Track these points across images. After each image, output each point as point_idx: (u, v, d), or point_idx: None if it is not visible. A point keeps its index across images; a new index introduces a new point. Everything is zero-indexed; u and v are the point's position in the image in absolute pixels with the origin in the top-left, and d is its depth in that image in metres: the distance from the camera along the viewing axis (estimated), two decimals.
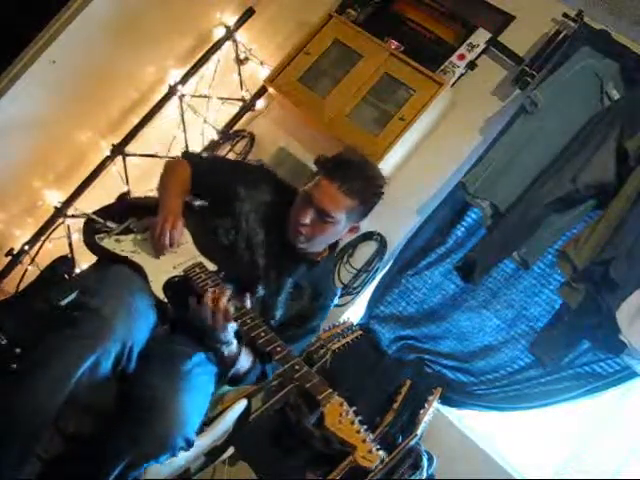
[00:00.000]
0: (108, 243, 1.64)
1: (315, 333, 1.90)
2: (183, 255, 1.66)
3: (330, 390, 1.32)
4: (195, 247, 1.71)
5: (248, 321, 1.46)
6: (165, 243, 1.62)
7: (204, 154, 2.06)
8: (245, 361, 1.65)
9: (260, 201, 1.82)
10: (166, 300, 1.51)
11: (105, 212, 1.78)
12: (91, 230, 1.67)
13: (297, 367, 1.36)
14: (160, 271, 1.58)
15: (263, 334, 1.44)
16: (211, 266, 1.64)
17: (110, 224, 1.69)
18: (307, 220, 1.69)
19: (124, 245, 1.65)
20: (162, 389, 1.43)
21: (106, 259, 1.62)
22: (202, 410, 1.55)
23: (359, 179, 1.70)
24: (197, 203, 1.85)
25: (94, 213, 1.80)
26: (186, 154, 1.98)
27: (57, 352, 1.29)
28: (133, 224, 1.71)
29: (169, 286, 1.55)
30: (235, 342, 1.58)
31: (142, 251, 1.64)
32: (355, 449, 1.23)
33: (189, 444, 1.45)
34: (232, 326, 1.51)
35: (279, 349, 1.41)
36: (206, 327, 1.51)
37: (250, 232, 1.77)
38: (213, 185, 1.88)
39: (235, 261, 1.73)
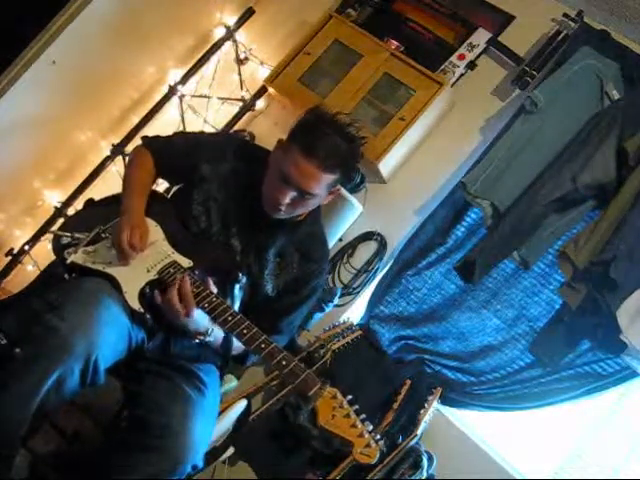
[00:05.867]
0: (78, 257, 1.56)
1: (314, 297, 1.80)
2: (156, 255, 1.60)
3: (320, 384, 1.28)
4: (167, 243, 1.64)
5: (229, 318, 1.42)
6: (126, 254, 1.54)
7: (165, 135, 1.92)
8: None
9: (226, 173, 1.73)
10: (142, 310, 1.47)
11: (73, 222, 1.71)
12: (59, 246, 1.60)
13: (284, 363, 1.32)
14: (134, 278, 1.53)
15: (246, 331, 1.40)
16: (186, 262, 1.58)
17: (78, 235, 1.61)
18: (287, 200, 1.59)
19: (95, 256, 1.58)
20: (177, 416, 1.41)
21: (80, 273, 1.55)
22: (211, 435, 1.53)
23: (339, 152, 1.56)
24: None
25: (61, 226, 1.73)
26: (147, 141, 1.84)
27: (18, 373, 1.26)
28: (102, 229, 1.64)
29: (144, 295, 1.50)
30: (215, 328, 1.52)
31: (114, 258, 1.56)
32: (352, 445, 1.21)
33: (195, 470, 1.45)
34: (199, 312, 1.46)
35: (263, 345, 1.37)
36: (177, 323, 1.48)
37: (221, 214, 1.69)
38: (177, 170, 1.80)
39: (210, 249, 1.67)
